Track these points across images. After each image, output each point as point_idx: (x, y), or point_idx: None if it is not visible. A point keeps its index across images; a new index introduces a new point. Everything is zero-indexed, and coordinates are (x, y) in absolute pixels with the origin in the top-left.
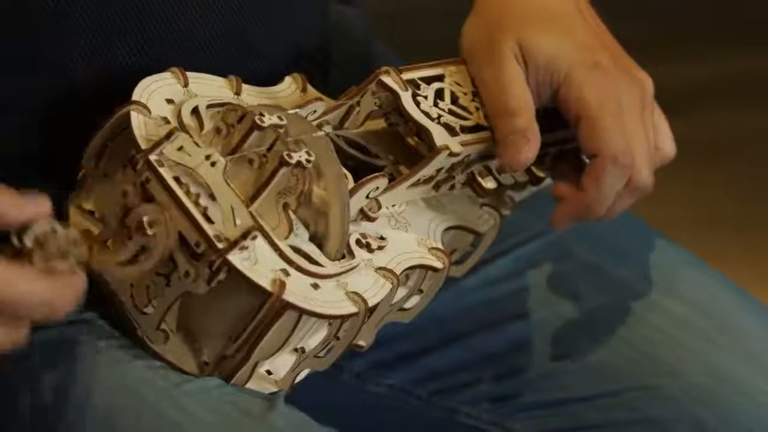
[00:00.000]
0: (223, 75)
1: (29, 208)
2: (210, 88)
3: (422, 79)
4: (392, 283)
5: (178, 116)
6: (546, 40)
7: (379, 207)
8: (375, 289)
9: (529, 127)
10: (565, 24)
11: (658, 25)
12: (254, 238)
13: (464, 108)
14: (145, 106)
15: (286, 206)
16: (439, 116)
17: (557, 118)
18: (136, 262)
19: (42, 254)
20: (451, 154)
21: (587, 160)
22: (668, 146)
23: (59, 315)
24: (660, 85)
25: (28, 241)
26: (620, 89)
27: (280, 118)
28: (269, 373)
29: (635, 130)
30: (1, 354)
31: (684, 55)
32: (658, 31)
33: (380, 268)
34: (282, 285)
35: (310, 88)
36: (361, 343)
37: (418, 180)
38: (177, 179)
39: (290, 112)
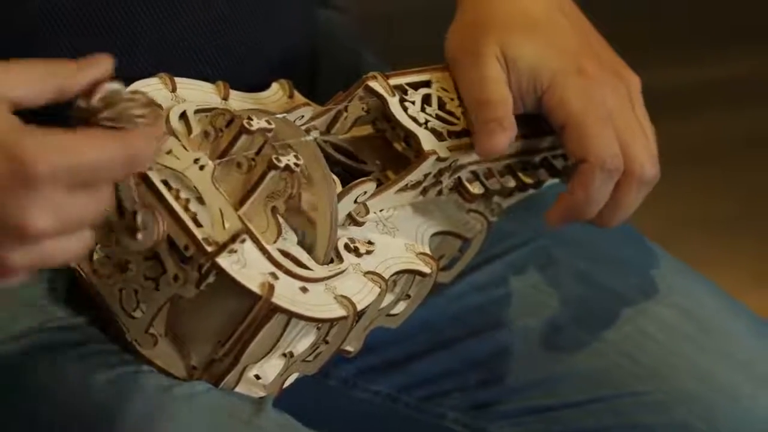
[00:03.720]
0: (211, 81)
1: (93, 70)
2: (198, 93)
3: (409, 84)
4: (380, 287)
5: (167, 121)
6: (528, 49)
7: (367, 212)
8: (364, 293)
9: (506, 116)
10: (548, 29)
11: (658, 28)
12: (243, 241)
13: (451, 113)
14: None
15: (274, 210)
16: (427, 121)
17: (542, 125)
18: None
19: (110, 114)
20: (439, 159)
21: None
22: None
23: (142, 168)
24: (660, 87)
25: (95, 101)
26: (605, 93)
27: (268, 122)
28: (258, 377)
29: (628, 125)
30: (94, 224)
31: (684, 58)
32: (658, 34)
33: (368, 272)
34: (271, 288)
35: (297, 94)
36: (350, 348)
37: (406, 185)
38: (165, 183)
39: (278, 116)
